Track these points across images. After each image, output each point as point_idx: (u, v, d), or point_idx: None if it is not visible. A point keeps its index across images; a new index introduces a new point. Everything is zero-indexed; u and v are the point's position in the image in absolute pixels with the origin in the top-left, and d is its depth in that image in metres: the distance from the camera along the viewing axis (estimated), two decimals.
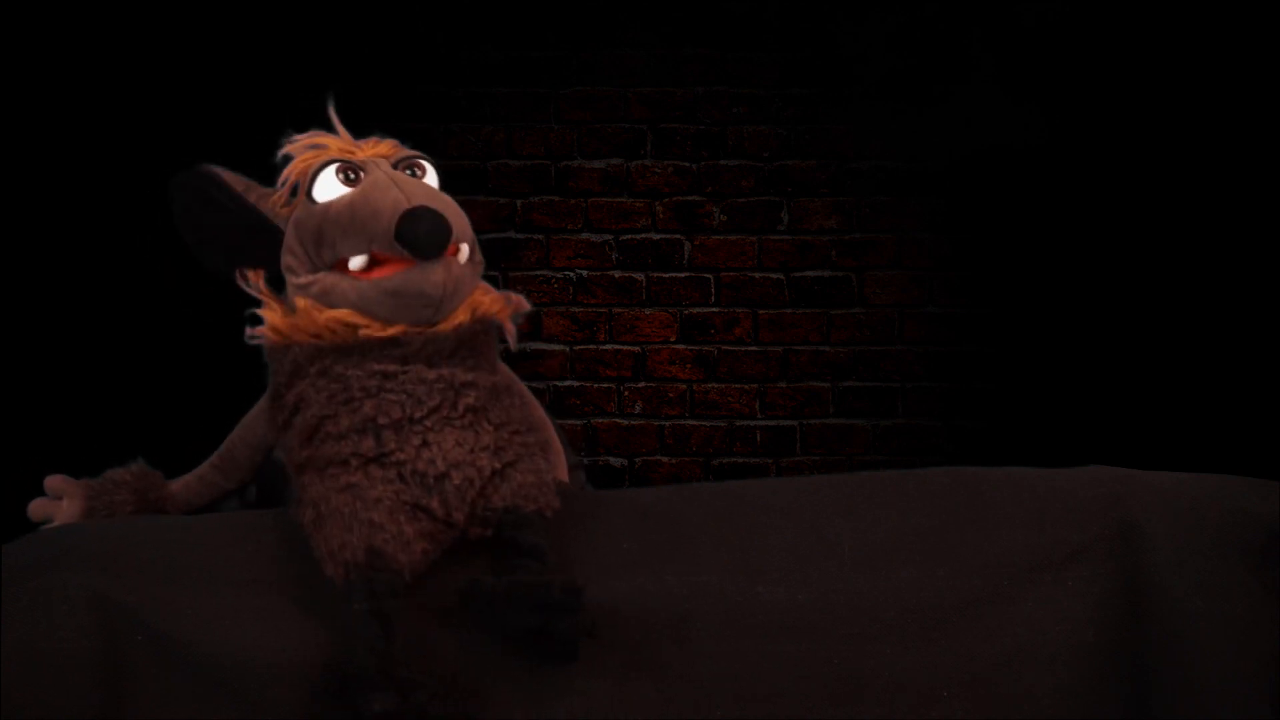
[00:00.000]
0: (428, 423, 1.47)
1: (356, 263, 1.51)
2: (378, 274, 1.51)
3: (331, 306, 1.52)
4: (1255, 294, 3.30)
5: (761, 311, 3.54)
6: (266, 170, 1.65)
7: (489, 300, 1.59)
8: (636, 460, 3.52)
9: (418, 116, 3.45)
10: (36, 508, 1.67)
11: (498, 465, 1.48)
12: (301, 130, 1.64)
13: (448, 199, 1.56)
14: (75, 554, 1.44)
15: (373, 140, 1.65)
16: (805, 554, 1.46)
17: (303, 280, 1.55)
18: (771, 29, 3.50)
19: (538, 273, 3.52)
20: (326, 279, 1.53)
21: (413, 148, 1.67)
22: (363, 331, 1.50)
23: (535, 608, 1.34)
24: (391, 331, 1.50)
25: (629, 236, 3.54)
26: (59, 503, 1.66)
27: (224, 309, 1.64)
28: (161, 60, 3.31)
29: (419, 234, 1.47)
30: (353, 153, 1.61)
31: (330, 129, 1.65)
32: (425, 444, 1.46)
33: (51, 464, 1.70)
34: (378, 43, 3.42)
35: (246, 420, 1.69)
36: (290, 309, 1.56)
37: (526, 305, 1.66)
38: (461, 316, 1.55)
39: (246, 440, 1.68)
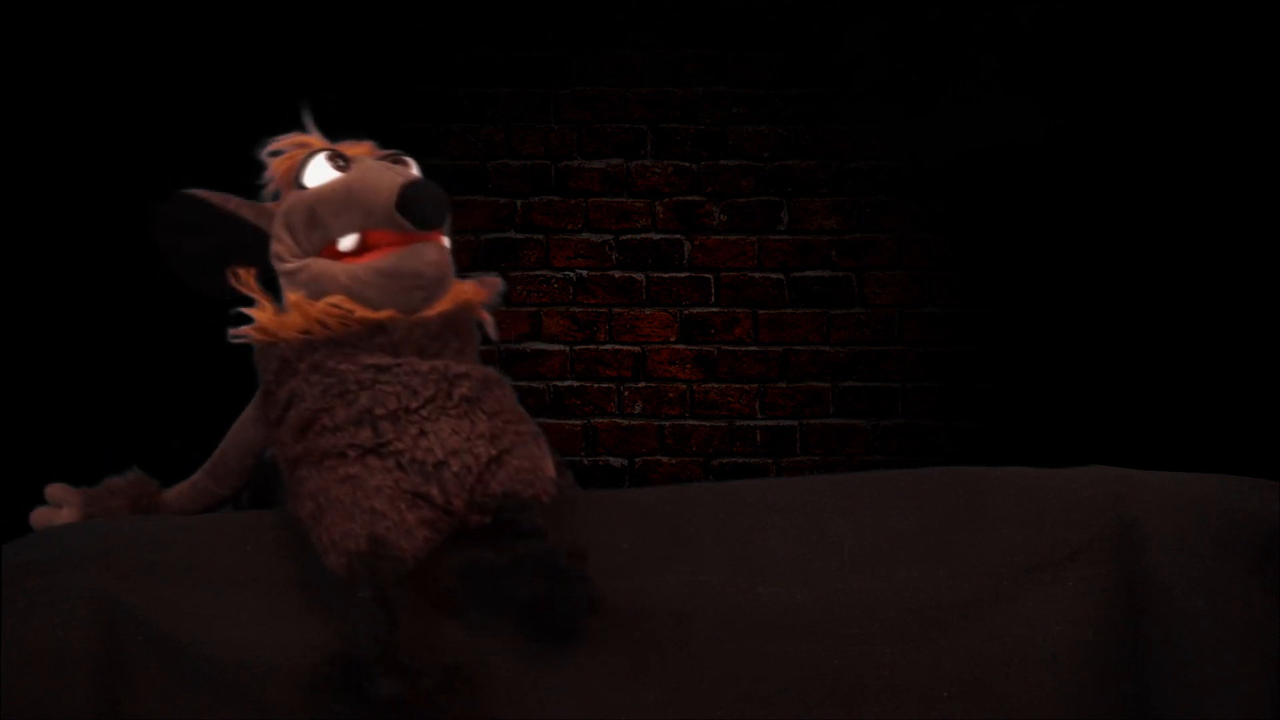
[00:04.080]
0: (424, 412, 1.47)
1: (347, 243, 1.54)
2: (370, 257, 1.53)
3: (323, 294, 1.54)
4: (1255, 294, 3.30)
5: (761, 311, 3.54)
6: (262, 170, 1.66)
7: (470, 288, 1.63)
8: (636, 460, 3.52)
9: (418, 116, 3.45)
10: (39, 517, 1.66)
11: (494, 452, 1.48)
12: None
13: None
14: (75, 553, 1.44)
15: (349, 142, 1.68)
16: (805, 554, 1.46)
17: (290, 266, 1.57)
18: (771, 29, 3.50)
19: (538, 273, 3.52)
20: (316, 264, 1.55)
21: (412, 148, 1.71)
22: (357, 313, 1.51)
23: (541, 576, 1.35)
24: (383, 315, 1.52)
25: (629, 236, 3.54)
26: (60, 511, 1.66)
27: (219, 314, 1.65)
28: (160, 57, 3.31)
29: (424, 204, 1.50)
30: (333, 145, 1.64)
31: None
32: (423, 433, 1.46)
33: (50, 467, 1.71)
34: (378, 42, 3.42)
35: (236, 425, 1.68)
36: (280, 308, 1.57)
37: (500, 284, 1.69)
38: (445, 304, 1.57)
39: (237, 445, 1.67)
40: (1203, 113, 3.34)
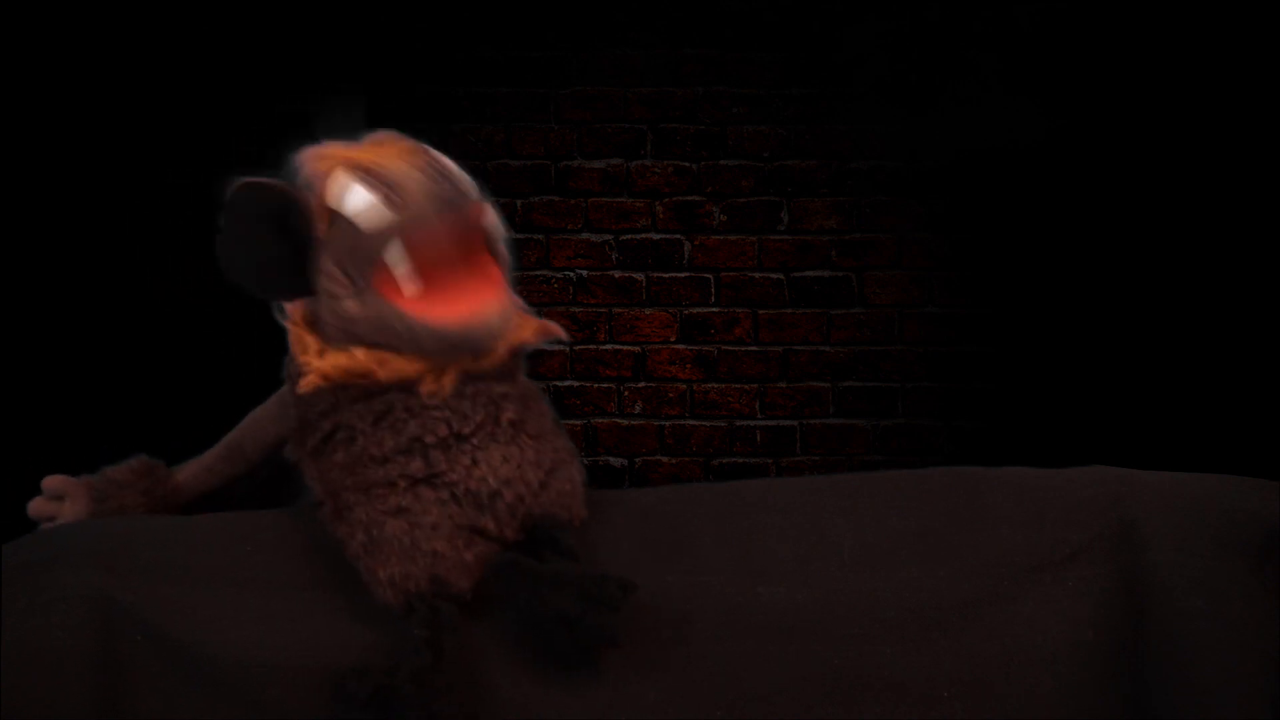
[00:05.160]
0: (475, 440, 1.45)
1: (403, 272, 1.44)
2: (434, 312, 1.44)
3: (387, 342, 1.46)
4: (1255, 293, 3.30)
5: (761, 311, 3.54)
6: (265, 171, 1.62)
7: (529, 331, 1.56)
8: (636, 460, 3.52)
9: (418, 116, 3.45)
10: (37, 507, 1.63)
11: (542, 477, 1.48)
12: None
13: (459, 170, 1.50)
14: (74, 553, 1.44)
15: (376, 136, 1.57)
16: (805, 554, 1.46)
17: (351, 310, 1.47)
18: (771, 29, 3.50)
19: (538, 273, 3.52)
20: (377, 308, 1.46)
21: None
22: (425, 391, 1.46)
23: (580, 595, 1.34)
24: (449, 382, 1.47)
25: (629, 236, 3.54)
26: (60, 503, 1.62)
27: (216, 300, 1.61)
28: (160, 60, 3.31)
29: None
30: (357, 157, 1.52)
31: (337, 136, 1.57)
32: (474, 462, 1.44)
33: (49, 462, 1.69)
34: (378, 43, 3.43)
35: (256, 418, 1.65)
36: (322, 334, 1.50)
37: (563, 335, 1.62)
38: (502, 352, 1.51)
39: (258, 438, 1.64)
40: (1203, 112, 3.35)
